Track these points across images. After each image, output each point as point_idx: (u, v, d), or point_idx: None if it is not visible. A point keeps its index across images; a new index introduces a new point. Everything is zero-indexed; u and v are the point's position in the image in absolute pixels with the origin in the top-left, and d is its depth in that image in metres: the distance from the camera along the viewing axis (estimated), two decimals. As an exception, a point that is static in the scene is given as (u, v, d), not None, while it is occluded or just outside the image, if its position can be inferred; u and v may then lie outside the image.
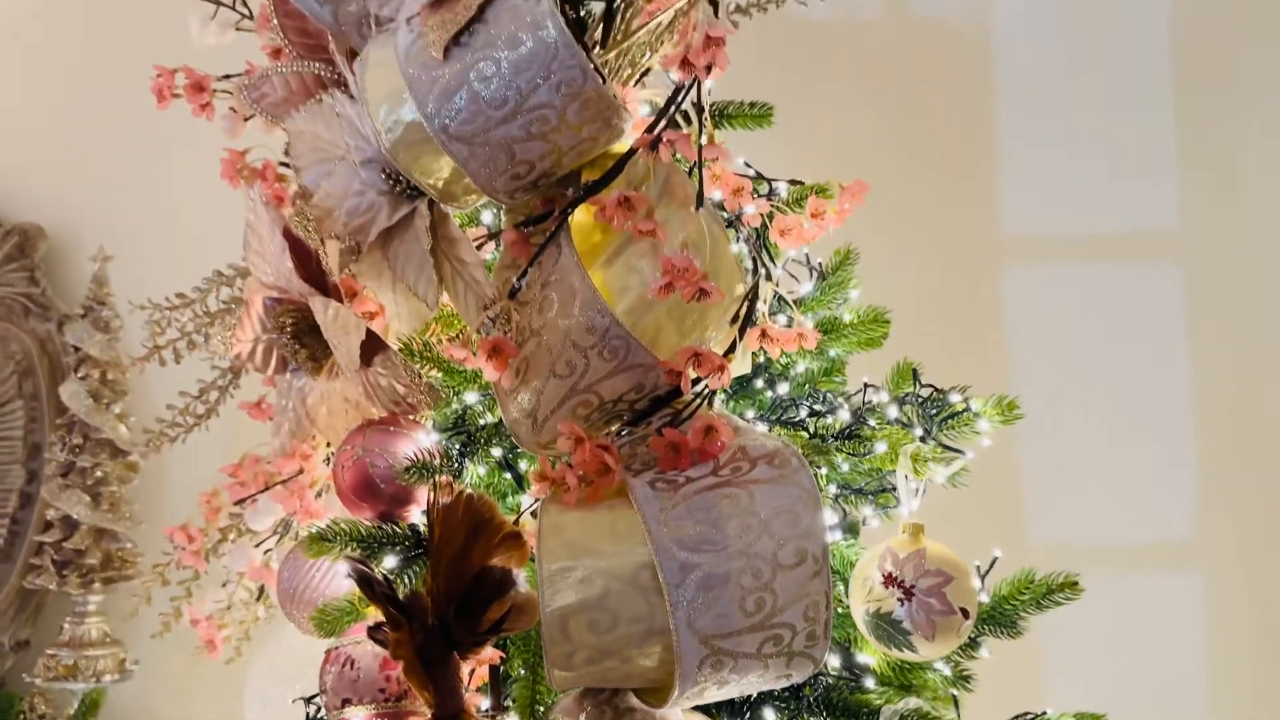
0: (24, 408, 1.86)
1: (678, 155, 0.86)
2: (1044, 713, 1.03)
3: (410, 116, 0.83)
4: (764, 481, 0.76)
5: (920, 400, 1.05)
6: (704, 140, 0.83)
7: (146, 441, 1.14)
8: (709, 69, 0.79)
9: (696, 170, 0.82)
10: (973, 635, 1.03)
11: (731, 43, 0.85)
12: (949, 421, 1.02)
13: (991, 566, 1.02)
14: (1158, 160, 1.84)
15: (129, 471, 1.71)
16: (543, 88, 0.79)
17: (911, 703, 0.83)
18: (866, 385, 1.05)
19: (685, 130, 0.88)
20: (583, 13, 1.10)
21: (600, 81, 0.81)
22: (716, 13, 0.79)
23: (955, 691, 1.06)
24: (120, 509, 1.70)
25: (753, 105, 1.20)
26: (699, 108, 0.81)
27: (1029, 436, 1.84)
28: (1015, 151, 1.88)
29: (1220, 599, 1.78)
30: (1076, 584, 1.02)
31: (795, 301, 1.13)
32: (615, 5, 1.03)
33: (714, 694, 0.76)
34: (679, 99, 0.81)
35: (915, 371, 1.10)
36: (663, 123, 0.82)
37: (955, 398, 1.04)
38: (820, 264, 1.20)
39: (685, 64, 0.78)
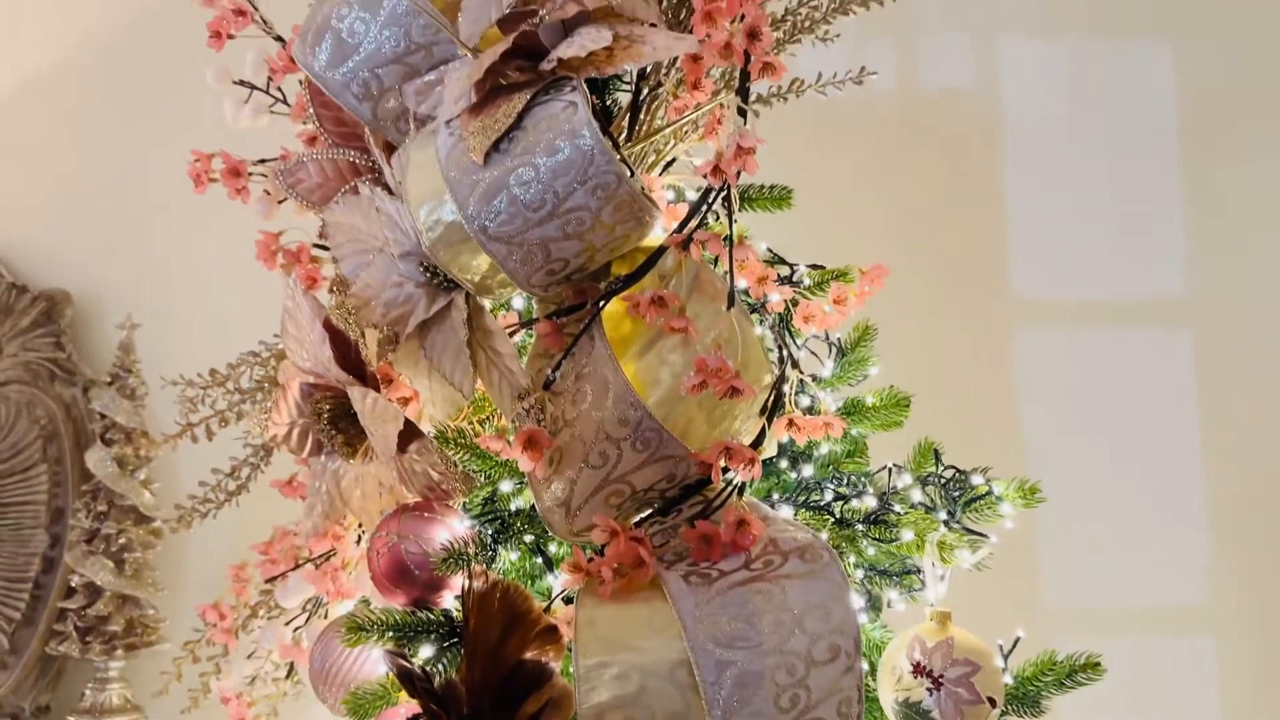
0: (48, 472, 1.88)
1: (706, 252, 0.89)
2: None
3: (451, 217, 0.85)
4: (796, 576, 0.78)
5: (943, 482, 1.07)
6: (734, 239, 0.86)
7: (179, 518, 1.16)
8: (739, 174, 0.82)
9: (728, 271, 0.84)
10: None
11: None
12: (972, 505, 1.03)
13: (1014, 647, 1.03)
14: (1165, 224, 1.87)
15: (152, 537, 1.73)
16: (579, 191, 0.82)
17: (942, 795, 0.83)
18: (891, 467, 1.06)
19: (711, 223, 0.92)
20: (609, 101, 1.14)
21: (633, 183, 0.84)
22: (746, 120, 0.82)
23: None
24: (143, 575, 1.71)
25: (772, 189, 1.23)
26: (730, 211, 0.84)
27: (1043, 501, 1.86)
28: (1025, 218, 1.92)
29: (1232, 660, 1.79)
30: (1099, 665, 1.02)
31: (816, 379, 1.15)
32: (641, 99, 1.07)
33: (748, 789, 0.77)
34: (710, 201, 0.84)
35: (937, 452, 1.12)
36: (694, 222, 0.85)
37: (978, 479, 1.06)
38: (839, 340, 1.22)
39: (716, 171, 0.81)
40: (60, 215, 2.01)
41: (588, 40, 0.84)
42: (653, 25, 0.90)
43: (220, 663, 1.17)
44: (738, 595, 0.76)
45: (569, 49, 0.85)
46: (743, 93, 0.85)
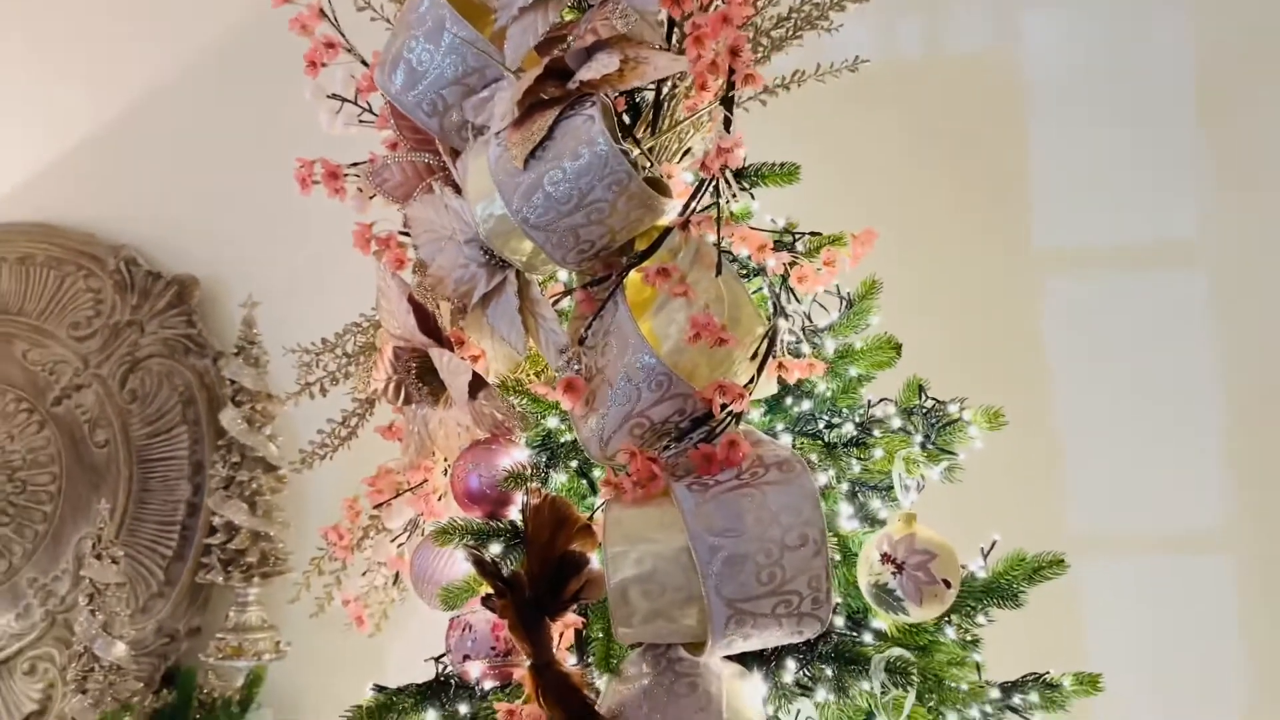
0: (188, 432, 2.19)
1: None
2: (1046, 672, 1.23)
3: (500, 211, 1.08)
4: (775, 483, 1.00)
5: (925, 411, 1.27)
6: (724, 219, 1.07)
7: (302, 460, 1.42)
8: (724, 167, 1.02)
9: (717, 244, 1.05)
10: (976, 605, 1.23)
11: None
12: (945, 429, 1.23)
13: (992, 548, 1.23)
14: (1179, 175, 1.99)
15: (278, 483, 2.03)
16: (598, 187, 1.04)
17: (895, 651, 1.04)
18: (872, 401, 1.26)
19: (724, 200, 1.12)
20: (638, 99, 1.35)
21: (641, 179, 1.05)
22: (728, 127, 1.02)
23: (977, 656, 1.27)
24: (272, 514, 2.02)
25: (781, 165, 1.41)
26: (716, 198, 1.05)
27: (1069, 434, 2.02)
28: (1046, 174, 2.05)
29: (1249, 579, 1.92)
30: (1062, 561, 1.21)
31: (823, 329, 1.35)
32: (662, 98, 1.28)
33: (740, 645, 0.99)
34: (701, 192, 1.05)
35: (922, 387, 1.31)
36: (691, 207, 1.07)
37: (953, 408, 1.26)
38: (849, 294, 1.41)
39: (704, 166, 1.02)
40: (188, 210, 2.30)
41: (601, 65, 1.05)
42: (658, 48, 1.11)
43: (340, 576, 1.44)
44: (729, 499, 0.98)
45: (587, 73, 1.07)
46: (726, 101, 1.05)
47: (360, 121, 1.46)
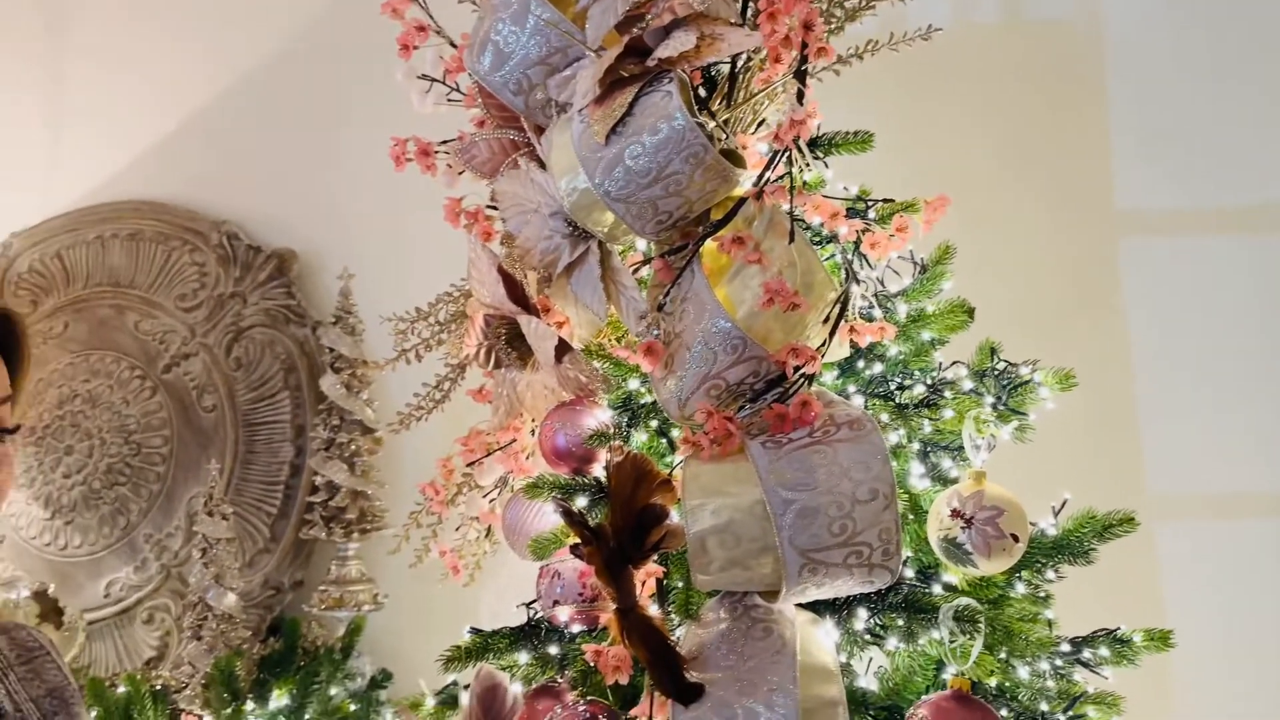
0: (290, 397, 2.32)
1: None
2: (1118, 627, 1.26)
3: (583, 185, 1.15)
4: (846, 441, 1.05)
5: (997, 373, 1.30)
6: (797, 188, 1.11)
7: (399, 422, 1.51)
8: (796, 140, 1.07)
9: (790, 213, 1.10)
10: (1046, 562, 1.26)
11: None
12: (1016, 390, 1.26)
13: (1063, 506, 1.26)
14: (1260, 135, 1.95)
15: (376, 445, 2.15)
16: (676, 160, 1.10)
17: (963, 600, 1.09)
18: (944, 364, 1.30)
19: (797, 170, 1.17)
20: (713, 72, 1.39)
21: (717, 152, 1.10)
22: (800, 100, 1.07)
23: (1049, 613, 1.30)
24: (370, 474, 2.14)
25: (855, 134, 1.45)
26: (789, 168, 1.09)
27: (1149, 397, 2.02)
28: (1127, 137, 2.04)
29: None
30: (1133, 519, 1.23)
31: (895, 294, 1.39)
32: (737, 71, 1.32)
33: (813, 593, 1.05)
34: (774, 163, 1.10)
35: (994, 349, 1.34)
36: (765, 178, 1.11)
37: (1024, 370, 1.29)
38: (923, 260, 1.44)
39: (777, 138, 1.07)
40: (286, 186, 2.42)
41: (678, 43, 1.10)
42: (733, 23, 1.15)
43: (435, 529, 1.53)
44: (801, 455, 1.04)
45: (665, 50, 1.12)
46: (799, 74, 1.10)
47: (449, 101, 1.53)
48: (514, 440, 1.35)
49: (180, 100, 2.52)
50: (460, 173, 1.48)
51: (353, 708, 2.02)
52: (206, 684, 1.97)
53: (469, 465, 1.42)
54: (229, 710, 1.93)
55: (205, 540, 2.04)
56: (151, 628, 2.29)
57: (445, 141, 1.47)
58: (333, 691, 2.03)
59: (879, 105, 1.67)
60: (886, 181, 1.38)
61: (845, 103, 1.41)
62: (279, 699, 1.97)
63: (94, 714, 1.83)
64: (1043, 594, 1.29)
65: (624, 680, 1.08)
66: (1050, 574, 1.25)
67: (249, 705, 1.95)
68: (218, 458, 2.27)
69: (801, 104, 1.07)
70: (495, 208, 1.42)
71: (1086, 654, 1.22)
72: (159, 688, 1.90)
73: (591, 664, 1.10)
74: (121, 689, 1.87)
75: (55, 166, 2.58)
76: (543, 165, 1.26)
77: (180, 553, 2.30)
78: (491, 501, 1.43)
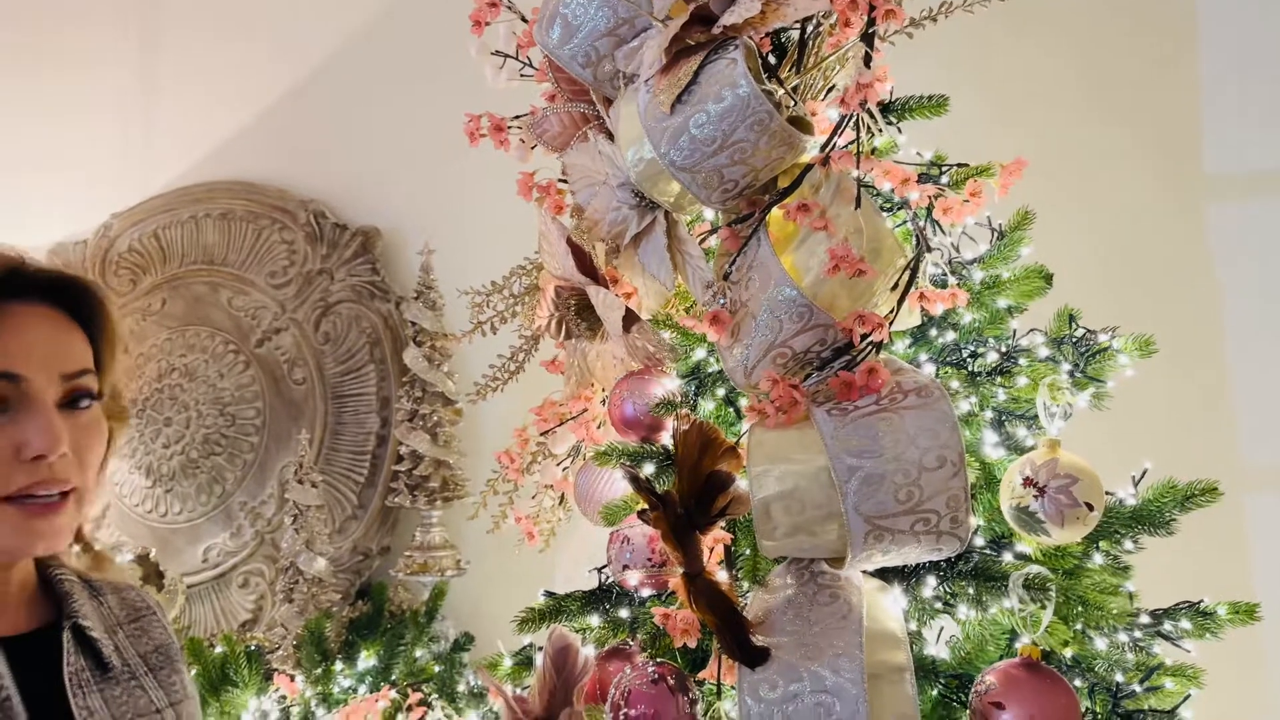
0: (375, 370, 2.39)
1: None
2: (1201, 600, 1.23)
3: (649, 155, 1.15)
4: (913, 408, 1.04)
5: (1075, 340, 1.27)
6: (865, 154, 1.10)
7: (477, 392, 1.55)
8: (863, 104, 1.06)
9: (857, 179, 1.09)
10: (1124, 532, 1.23)
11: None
12: (1095, 357, 1.23)
13: (1143, 476, 1.23)
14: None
15: (456, 416, 2.20)
16: (741, 128, 1.10)
17: (1033, 569, 1.07)
18: (1019, 332, 1.27)
19: (865, 135, 1.15)
20: (783, 39, 1.38)
21: (783, 119, 1.10)
22: (868, 63, 1.05)
23: (1129, 586, 1.27)
24: (451, 444, 2.19)
25: (930, 98, 1.42)
26: (856, 133, 1.08)
27: (1241, 365, 1.95)
28: (1218, 97, 1.96)
29: None
30: (1215, 490, 1.19)
31: (972, 261, 1.36)
32: (807, 36, 1.31)
33: (879, 560, 1.05)
34: (841, 128, 1.09)
35: (1073, 316, 1.31)
36: (832, 143, 1.11)
37: (1103, 337, 1.25)
38: (1000, 225, 1.41)
39: (843, 103, 1.06)
40: (369, 166, 2.48)
41: (743, 9, 1.10)
42: (798, -12, 1.14)
43: (512, 497, 1.57)
44: (866, 422, 1.04)
45: (730, 17, 1.12)
46: (867, 38, 1.08)
47: (521, 76, 1.55)
48: (585, 409, 1.38)
49: (268, 83, 2.60)
50: (532, 147, 1.50)
51: (437, 669, 2.08)
52: (298, 645, 2.05)
53: (543, 434, 1.45)
54: (319, 670, 2.01)
55: (296, 507, 2.12)
56: (246, 591, 2.40)
57: (518, 116, 1.50)
58: (418, 653, 2.10)
59: (953, 68, 1.63)
60: (964, 148, 1.36)
61: (920, 66, 1.39)
62: (367, 660, 2.04)
63: (193, 672, 1.93)
64: (1122, 565, 1.27)
65: (692, 643, 1.09)
66: (1129, 544, 1.22)
67: (338, 665, 2.03)
68: (308, 428, 2.35)
69: (869, 67, 1.05)
70: (565, 181, 1.44)
71: (1167, 626, 1.20)
72: (253, 648, 1.99)
73: (660, 627, 1.12)
74: (219, 649, 1.96)
75: (151, 148, 2.69)
76: (611, 137, 1.27)
77: (273, 519, 2.39)
78: (565, 469, 1.46)
